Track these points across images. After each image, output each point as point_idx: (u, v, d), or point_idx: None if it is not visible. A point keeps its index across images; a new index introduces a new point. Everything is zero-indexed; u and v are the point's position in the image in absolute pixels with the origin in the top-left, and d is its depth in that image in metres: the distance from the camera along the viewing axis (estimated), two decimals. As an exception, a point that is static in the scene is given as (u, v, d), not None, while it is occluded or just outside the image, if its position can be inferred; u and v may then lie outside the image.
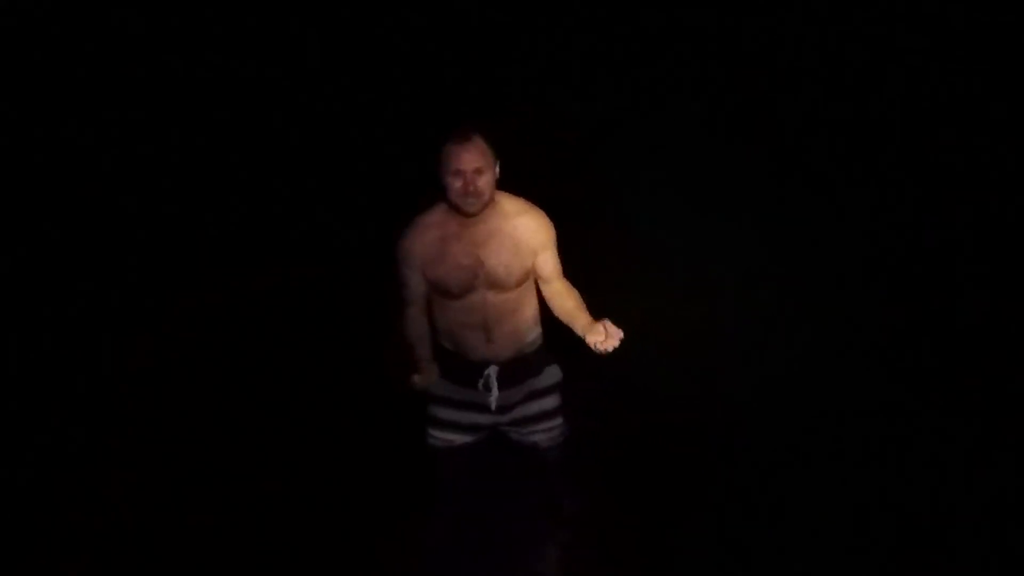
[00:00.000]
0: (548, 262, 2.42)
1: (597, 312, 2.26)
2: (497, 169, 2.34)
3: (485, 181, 2.27)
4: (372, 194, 4.48)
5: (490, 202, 2.33)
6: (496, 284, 2.38)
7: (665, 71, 5.28)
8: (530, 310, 2.48)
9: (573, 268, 2.43)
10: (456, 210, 2.32)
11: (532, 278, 2.45)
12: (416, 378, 2.32)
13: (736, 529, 2.53)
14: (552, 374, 2.56)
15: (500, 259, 2.36)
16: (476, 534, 2.58)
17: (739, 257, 3.88)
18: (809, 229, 4.08)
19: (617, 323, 2.15)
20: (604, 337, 2.16)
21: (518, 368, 2.48)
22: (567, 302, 2.38)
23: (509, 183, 2.36)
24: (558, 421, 2.58)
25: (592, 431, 2.85)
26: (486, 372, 2.45)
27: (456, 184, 2.26)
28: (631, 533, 2.57)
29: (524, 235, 2.38)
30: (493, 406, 2.47)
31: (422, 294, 2.43)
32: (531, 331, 2.50)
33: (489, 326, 2.42)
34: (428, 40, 5.57)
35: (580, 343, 2.21)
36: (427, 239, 2.38)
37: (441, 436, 2.54)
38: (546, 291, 2.45)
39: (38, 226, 4.19)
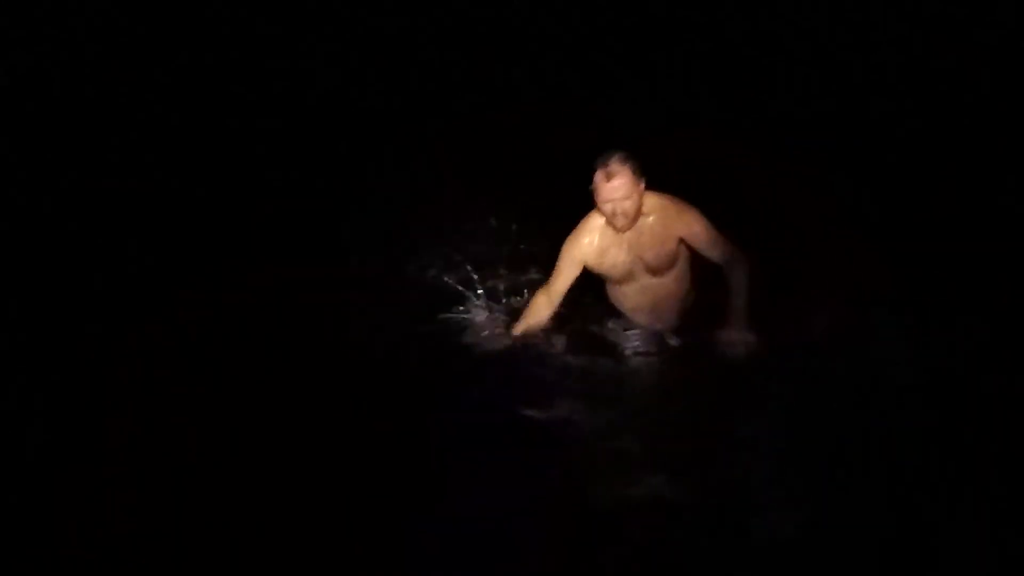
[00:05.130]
0: (697, 239, 2.88)
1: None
2: (642, 186, 2.79)
3: (631, 204, 2.76)
4: (372, 194, 4.48)
5: (638, 216, 2.81)
6: (651, 270, 2.93)
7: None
8: (687, 284, 3.04)
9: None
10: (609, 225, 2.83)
11: (683, 259, 2.97)
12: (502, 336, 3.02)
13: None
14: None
15: (650, 250, 2.88)
16: (476, 533, 2.57)
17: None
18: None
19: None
20: (736, 347, 2.81)
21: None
22: (727, 281, 2.92)
23: (515, 180, 2.39)
24: None
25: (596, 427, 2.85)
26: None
27: (606, 209, 2.78)
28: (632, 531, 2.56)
29: (664, 226, 2.86)
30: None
31: (563, 291, 2.97)
32: (689, 300, 3.07)
33: (656, 304, 2.99)
34: (429, 39, 5.59)
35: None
36: (589, 242, 2.92)
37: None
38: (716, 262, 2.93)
39: (36, 225, 4.19)
